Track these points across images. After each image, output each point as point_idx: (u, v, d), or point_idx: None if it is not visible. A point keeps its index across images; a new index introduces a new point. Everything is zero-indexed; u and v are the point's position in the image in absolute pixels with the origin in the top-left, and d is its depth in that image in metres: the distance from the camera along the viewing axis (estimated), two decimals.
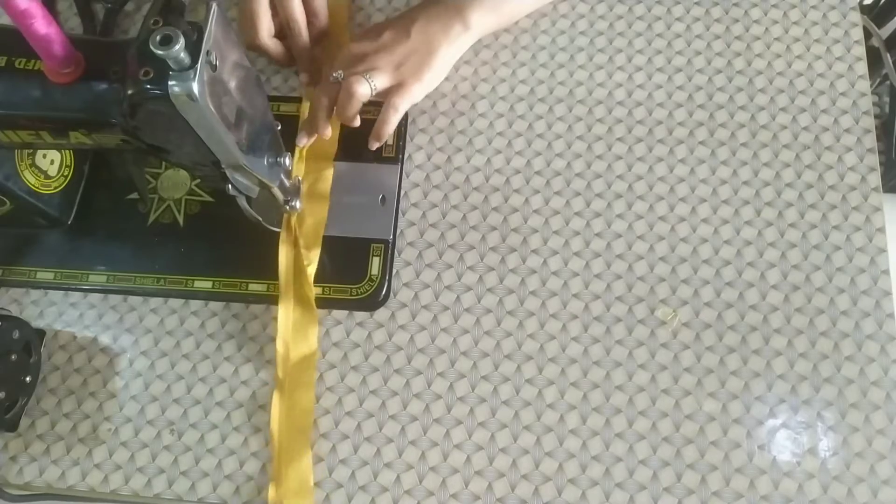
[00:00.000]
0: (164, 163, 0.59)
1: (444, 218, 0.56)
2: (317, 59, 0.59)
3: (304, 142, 0.56)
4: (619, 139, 0.58)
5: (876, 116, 1.00)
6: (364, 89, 0.52)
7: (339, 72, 0.54)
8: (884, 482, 0.48)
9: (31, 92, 0.40)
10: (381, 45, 0.55)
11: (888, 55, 0.85)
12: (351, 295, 0.54)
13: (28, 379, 0.52)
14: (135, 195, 0.58)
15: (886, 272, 0.53)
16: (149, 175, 0.59)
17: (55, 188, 0.56)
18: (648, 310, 0.53)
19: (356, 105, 0.53)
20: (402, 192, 0.57)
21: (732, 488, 0.48)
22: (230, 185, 0.46)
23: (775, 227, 0.54)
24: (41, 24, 0.35)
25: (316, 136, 0.56)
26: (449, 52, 0.56)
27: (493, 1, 0.57)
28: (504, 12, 0.59)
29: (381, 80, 0.53)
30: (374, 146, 0.56)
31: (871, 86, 0.59)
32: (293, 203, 0.53)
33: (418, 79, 0.54)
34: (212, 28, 0.37)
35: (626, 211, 0.55)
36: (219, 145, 0.41)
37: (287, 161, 0.49)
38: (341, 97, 0.53)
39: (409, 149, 0.58)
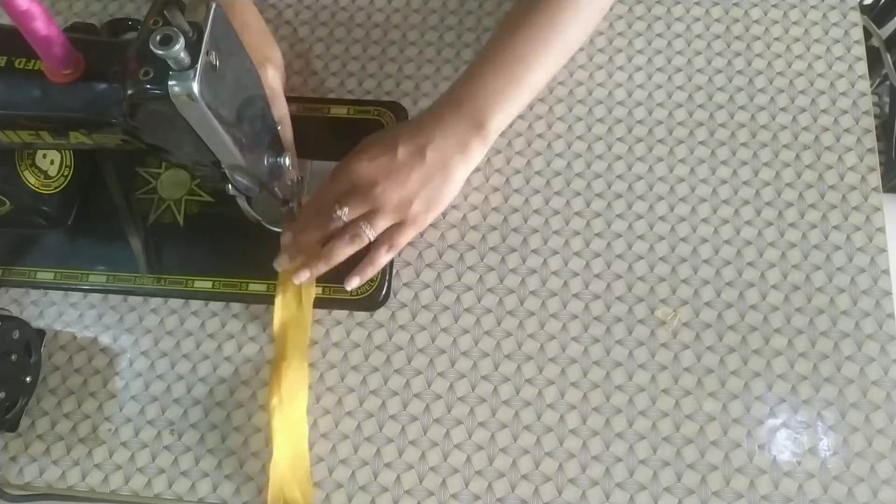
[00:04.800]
0: (164, 163, 0.59)
1: (444, 218, 0.56)
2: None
3: (284, 265, 0.53)
4: (619, 139, 0.58)
5: (876, 116, 1.00)
6: (362, 242, 0.51)
7: (345, 209, 0.51)
8: (884, 482, 0.48)
9: (31, 92, 0.40)
10: (392, 171, 0.51)
11: (888, 55, 0.85)
12: (351, 295, 0.54)
13: (28, 379, 0.52)
14: (135, 195, 0.58)
15: (886, 272, 0.53)
16: (149, 175, 0.59)
17: (55, 188, 0.56)
18: (648, 310, 0.53)
19: (348, 254, 0.51)
20: None
21: (732, 488, 0.48)
22: (230, 185, 0.46)
23: (775, 227, 0.54)
24: (41, 25, 0.35)
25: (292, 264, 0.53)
26: (465, 171, 0.52)
27: (511, 103, 0.52)
28: (518, 110, 0.54)
29: (383, 223, 0.51)
30: (352, 286, 0.52)
31: (871, 86, 0.59)
32: (293, 203, 0.53)
33: (431, 212, 0.52)
34: (212, 28, 0.37)
35: (626, 211, 0.55)
36: (219, 145, 0.41)
37: (287, 161, 0.49)
38: (338, 243, 0.51)
39: None
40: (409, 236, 0.52)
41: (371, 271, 0.52)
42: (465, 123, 0.51)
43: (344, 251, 0.51)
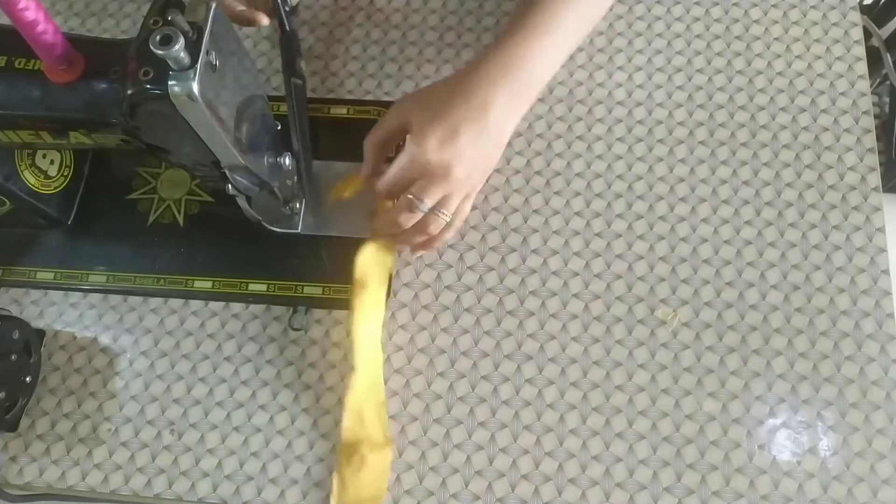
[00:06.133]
0: (164, 163, 0.59)
1: None
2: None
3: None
4: (619, 139, 0.58)
5: (876, 116, 1.00)
6: (441, 224, 0.49)
7: (424, 201, 0.48)
8: (884, 482, 0.48)
9: (31, 92, 0.40)
10: (461, 152, 0.47)
11: (888, 55, 0.85)
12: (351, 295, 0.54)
13: (28, 379, 0.52)
14: (135, 195, 0.58)
15: (886, 272, 0.53)
16: (149, 175, 0.59)
17: (55, 188, 0.56)
18: (648, 310, 0.53)
19: (437, 241, 0.52)
20: None
21: (732, 488, 0.48)
22: (230, 185, 0.46)
23: (775, 227, 0.54)
24: (40, 24, 0.35)
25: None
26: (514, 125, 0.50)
27: (553, 51, 0.50)
28: (528, 98, 0.51)
29: (452, 206, 0.49)
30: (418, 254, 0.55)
31: (871, 86, 0.59)
32: (293, 203, 0.54)
33: (475, 188, 0.50)
34: (212, 28, 0.37)
35: (626, 211, 0.55)
36: (219, 145, 0.41)
37: (287, 161, 0.49)
38: (419, 237, 0.51)
39: None
40: (467, 207, 0.52)
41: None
42: (515, 79, 0.48)
43: (431, 243, 0.52)
